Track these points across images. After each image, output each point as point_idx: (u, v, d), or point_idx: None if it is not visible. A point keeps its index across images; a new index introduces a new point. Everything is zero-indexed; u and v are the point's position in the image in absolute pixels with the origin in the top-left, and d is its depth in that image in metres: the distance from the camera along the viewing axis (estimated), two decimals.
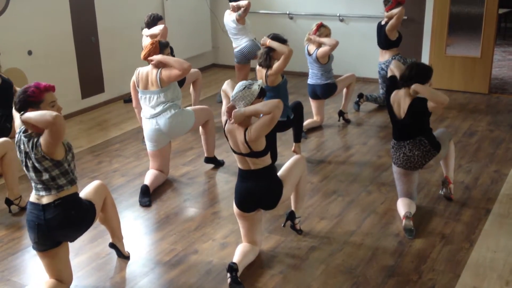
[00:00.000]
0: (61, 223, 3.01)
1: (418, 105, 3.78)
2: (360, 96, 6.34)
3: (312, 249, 3.64)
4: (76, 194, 3.11)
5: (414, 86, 3.74)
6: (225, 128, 3.33)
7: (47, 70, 5.91)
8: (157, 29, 5.53)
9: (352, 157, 5.14)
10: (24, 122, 2.87)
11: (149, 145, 4.59)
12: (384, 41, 6.14)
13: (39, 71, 5.78)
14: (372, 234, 3.81)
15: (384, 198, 4.31)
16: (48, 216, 2.98)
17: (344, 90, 5.95)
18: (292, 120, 4.77)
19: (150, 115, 4.46)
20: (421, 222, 3.91)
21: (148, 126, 4.50)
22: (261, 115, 3.19)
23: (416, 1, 7.00)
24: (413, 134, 3.89)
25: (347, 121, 6.02)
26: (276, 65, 4.58)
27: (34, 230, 3.02)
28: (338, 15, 7.48)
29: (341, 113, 6.01)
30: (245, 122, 3.23)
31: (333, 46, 5.44)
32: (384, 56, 6.19)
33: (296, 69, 7.56)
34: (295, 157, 3.70)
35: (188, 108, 4.74)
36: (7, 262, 3.59)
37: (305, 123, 5.47)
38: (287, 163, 3.63)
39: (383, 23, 6.13)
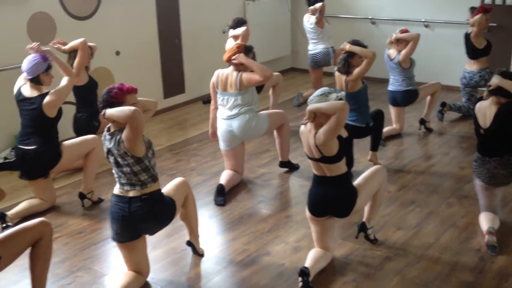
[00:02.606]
0: (144, 216, 3.13)
1: (505, 109, 3.55)
2: (443, 105, 6.12)
3: (387, 259, 3.54)
4: (160, 190, 3.22)
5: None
6: (300, 131, 3.34)
7: (132, 70, 6.16)
8: (239, 30, 5.62)
9: (432, 167, 4.96)
10: (107, 118, 3.01)
11: (222, 145, 4.66)
12: (472, 50, 5.89)
13: (125, 71, 6.03)
14: (451, 248, 3.65)
15: (466, 211, 4.12)
16: (133, 209, 3.10)
17: (428, 98, 5.76)
18: (371, 127, 4.67)
19: (226, 116, 4.52)
20: (505, 238, 3.70)
21: (222, 127, 4.57)
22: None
23: (505, 8, 6.67)
24: (500, 151, 3.66)
25: (429, 130, 5.82)
26: (357, 70, 4.51)
27: (118, 221, 3.15)
28: (423, 20, 7.27)
29: (422, 122, 5.82)
30: (317, 124, 3.21)
31: (415, 40, 5.28)
32: (472, 66, 5.94)
33: (376, 75, 7.39)
34: (376, 167, 3.64)
35: (263, 112, 4.76)
36: (89, 252, 3.76)
37: (384, 130, 5.35)
38: (367, 172, 3.57)
39: (469, 31, 5.90)
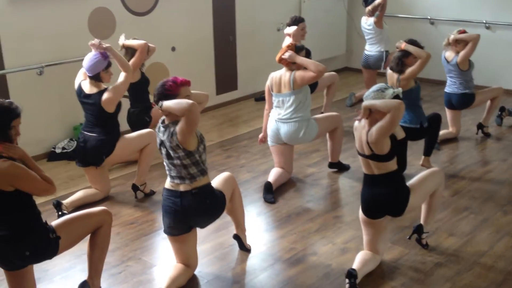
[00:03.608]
0: (196, 210, 3.17)
1: None
2: (502, 109, 5.90)
3: (437, 265, 3.45)
4: (210, 184, 3.26)
5: None
6: (354, 126, 3.31)
7: (187, 65, 6.24)
8: (290, 29, 5.61)
9: (489, 173, 4.80)
10: (163, 110, 3.06)
11: (269, 140, 4.67)
12: None
13: (180, 66, 6.12)
14: (506, 257, 3.52)
15: None
16: (184, 203, 3.15)
17: (488, 102, 5.56)
18: (426, 129, 4.56)
19: (278, 118, 4.53)
20: None
21: (272, 126, 4.57)
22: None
23: None
24: None
25: (487, 135, 5.63)
26: (410, 69, 4.42)
27: (171, 215, 3.21)
28: (484, 21, 7.03)
29: (480, 126, 5.64)
30: (371, 121, 3.17)
31: (475, 41, 5.10)
32: None
33: (433, 76, 7.23)
34: (433, 169, 3.57)
35: (318, 117, 4.73)
36: (140, 242, 3.85)
37: (440, 133, 5.19)
38: (423, 172, 3.50)
39: None
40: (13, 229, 2.78)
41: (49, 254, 2.94)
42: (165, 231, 3.32)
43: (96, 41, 4.22)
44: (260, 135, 4.82)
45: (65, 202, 4.17)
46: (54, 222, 2.99)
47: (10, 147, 2.77)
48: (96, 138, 4.24)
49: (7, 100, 2.80)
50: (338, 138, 4.79)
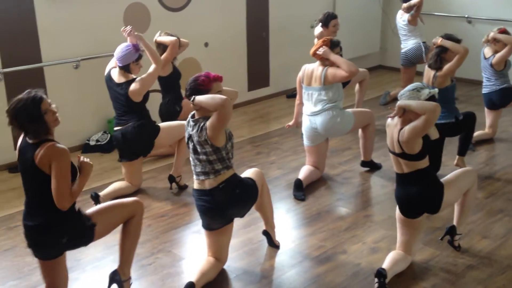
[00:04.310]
0: (229, 203, 3.19)
1: None
2: None
3: (469, 268, 3.39)
4: (236, 174, 3.26)
5: None
6: (386, 123, 3.28)
7: (219, 61, 6.27)
8: (317, 31, 5.58)
9: None
10: (195, 105, 3.07)
11: (305, 141, 4.64)
12: None
13: (212, 62, 6.15)
14: None
15: None
16: (216, 199, 3.17)
17: None
18: (462, 123, 4.46)
19: (310, 113, 4.50)
20: None
21: (306, 123, 4.55)
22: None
23: None
24: None
25: None
26: (448, 65, 4.34)
27: (207, 214, 3.24)
28: None
29: None
30: (404, 120, 3.12)
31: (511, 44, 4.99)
32: None
33: (469, 76, 7.08)
34: (466, 168, 3.50)
35: (349, 110, 4.68)
36: (170, 235, 3.89)
37: (475, 134, 5.09)
38: (456, 171, 3.45)
39: None
40: (52, 215, 2.83)
41: (85, 241, 3.00)
42: (205, 227, 3.33)
43: (128, 27, 4.28)
44: (291, 122, 4.81)
45: (101, 194, 4.24)
46: (89, 210, 3.05)
47: (83, 162, 2.90)
48: (133, 125, 4.28)
49: (25, 92, 2.80)
50: (370, 136, 4.74)
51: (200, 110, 3.12)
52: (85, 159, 2.93)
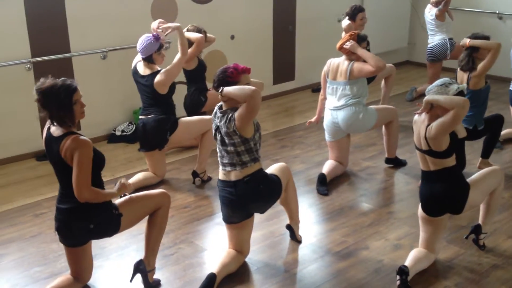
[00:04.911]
0: (252, 197, 3.20)
1: None
2: None
3: (494, 267, 3.34)
4: (262, 169, 3.27)
5: None
6: (413, 120, 3.24)
7: (245, 54, 6.27)
8: (344, 23, 5.53)
9: None
10: (223, 95, 3.08)
11: (327, 136, 4.62)
12: None
13: (238, 55, 6.15)
14: None
15: None
16: (239, 192, 3.18)
17: None
18: (481, 132, 4.38)
19: (333, 107, 4.47)
20: None
21: (328, 118, 4.52)
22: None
23: None
24: None
25: None
26: (481, 64, 4.21)
27: (228, 205, 3.25)
28: None
29: None
30: (432, 115, 3.08)
31: None
32: None
33: (499, 73, 6.91)
34: (493, 167, 3.44)
35: (372, 107, 4.64)
36: (192, 226, 3.92)
37: (503, 132, 5.00)
38: (483, 170, 3.39)
39: None
40: (83, 202, 2.86)
41: (110, 231, 3.05)
42: (225, 220, 3.34)
43: (165, 25, 4.37)
44: (314, 118, 4.79)
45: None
46: (117, 201, 3.09)
47: (123, 184, 2.98)
48: (154, 119, 4.33)
49: (61, 79, 2.85)
50: (394, 133, 4.69)
51: (228, 101, 3.13)
52: (126, 182, 2.99)
